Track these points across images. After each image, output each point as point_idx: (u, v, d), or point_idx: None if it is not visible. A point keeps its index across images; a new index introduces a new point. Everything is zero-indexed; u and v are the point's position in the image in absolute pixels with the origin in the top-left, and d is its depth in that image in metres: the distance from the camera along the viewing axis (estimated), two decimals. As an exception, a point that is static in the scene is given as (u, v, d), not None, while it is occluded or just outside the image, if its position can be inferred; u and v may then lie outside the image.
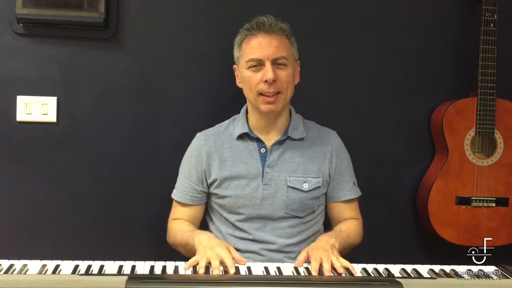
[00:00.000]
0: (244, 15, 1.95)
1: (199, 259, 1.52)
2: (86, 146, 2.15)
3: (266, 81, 1.73)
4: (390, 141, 2.28)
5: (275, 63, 1.75)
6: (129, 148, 2.17)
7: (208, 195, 1.88)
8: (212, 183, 1.84)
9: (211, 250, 1.55)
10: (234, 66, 1.89)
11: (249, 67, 1.77)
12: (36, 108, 2.10)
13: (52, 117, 2.11)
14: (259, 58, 1.75)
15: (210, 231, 1.88)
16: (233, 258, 1.57)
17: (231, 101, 2.05)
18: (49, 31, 2.09)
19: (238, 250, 1.77)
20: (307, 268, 1.57)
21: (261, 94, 1.76)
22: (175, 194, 1.89)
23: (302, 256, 1.62)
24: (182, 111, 2.18)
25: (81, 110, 2.14)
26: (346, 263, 1.56)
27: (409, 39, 2.27)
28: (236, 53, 1.85)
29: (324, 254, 1.56)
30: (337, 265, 1.53)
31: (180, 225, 1.84)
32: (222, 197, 1.83)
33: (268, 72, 1.73)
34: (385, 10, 2.25)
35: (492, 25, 2.11)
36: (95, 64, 2.13)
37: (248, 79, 1.78)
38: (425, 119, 2.27)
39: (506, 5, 2.20)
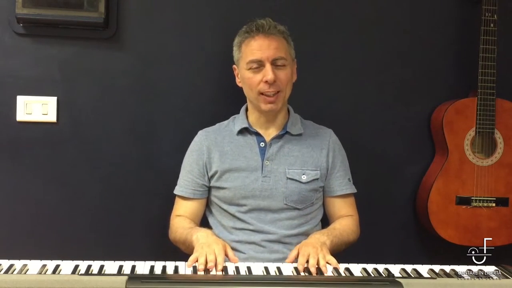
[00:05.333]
0: (244, 15, 1.95)
1: (198, 256, 1.54)
2: (86, 146, 2.15)
3: (266, 81, 1.78)
4: (390, 141, 2.28)
5: (275, 63, 1.80)
6: (129, 148, 2.17)
7: (209, 189, 1.90)
8: (213, 176, 1.88)
9: (208, 247, 1.59)
10: (234, 66, 1.92)
11: (250, 68, 1.82)
12: (36, 108, 2.10)
13: (52, 117, 2.11)
14: (259, 59, 1.80)
15: (210, 225, 1.91)
16: (227, 256, 1.60)
17: (231, 101, 2.05)
18: (49, 31, 2.09)
19: (240, 241, 1.83)
20: (307, 268, 1.57)
21: (261, 93, 1.81)
22: (177, 190, 1.93)
23: (293, 253, 1.65)
24: (182, 111, 2.18)
25: (81, 110, 2.14)
26: (333, 262, 1.58)
27: (409, 39, 2.27)
28: (236, 55, 1.89)
29: (312, 251, 1.60)
30: (321, 263, 1.55)
31: (181, 221, 1.87)
32: (223, 188, 1.86)
33: (268, 73, 1.78)
34: (385, 10, 2.25)
35: (492, 25, 2.11)
36: (95, 64, 2.13)
37: (248, 80, 1.83)
38: (425, 119, 2.27)
39: (506, 5, 2.20)
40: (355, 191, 1.94)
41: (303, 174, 1.85)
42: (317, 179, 1.87)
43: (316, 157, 1.89)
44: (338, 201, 1.92)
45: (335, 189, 1.91)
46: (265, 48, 1.80)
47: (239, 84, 1.91)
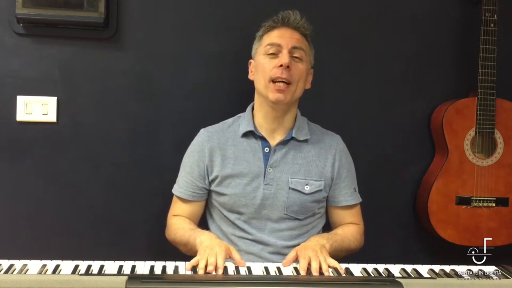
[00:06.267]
0: (245, 15, 1.96)
1: (199, 260, 1.52)
2: (86, 146, 2.15)
3: (281, 65, 1.74)
4: (390, 141, 2.28)
5: (292, 53, 1.77)
6: (129, 148, 2.17)
7: (209, 192, 1.88)
8: (213, 180, 1.84)
9: (211, 250, 1.56)
10: (250, 60, 1.89)
11: (266, 54, 1.78)
12: (36, 108, 2.10)
13: (52, 117, 2.11)
14: (279, 43, 1.77)
15: (210, 229, 1.88)
16: (233, 259, 1.59)
17: (231, 101, 2.05)
18: (49, 31, 2.09)
19: (238, 250, 1.77)
20: (308, 270, 1.56)
21: (272, 81, 1.76)
22: (175, 189, 1.89)
23: (291, 255, 1.63)
24: (182, 111, 2.18)
25: (81, 110, 2.14)
26: (334, 263, 1.56)
27: (409, 39, 2.27)
28: (255, 45, 1.86)
29: (312, 254, 1.57)
30: (324, 268, 1.53)
31: (180, 222, 1.84)
32: (223, 195, 1.82)
33: (284, 57, 1.75)
34: (385, 11, 2.25)
35: (492, 25, 2.11)
36: (95, 64, 2.13)
37: (262, 65, 1.79)
38: (425, 119, 2.27)
39: (506, 5, 2.20)
40: (360, 200, 1.91)
41: (306, 185, 1.81)
42: (321, 190, 1.82)
43: (321, 166, 1.84)
44: (342, 211, 1.89)
45: (340, 200, 1.87)
46: (286, 37, 1.78)
47: (251, 78, 1.86)
